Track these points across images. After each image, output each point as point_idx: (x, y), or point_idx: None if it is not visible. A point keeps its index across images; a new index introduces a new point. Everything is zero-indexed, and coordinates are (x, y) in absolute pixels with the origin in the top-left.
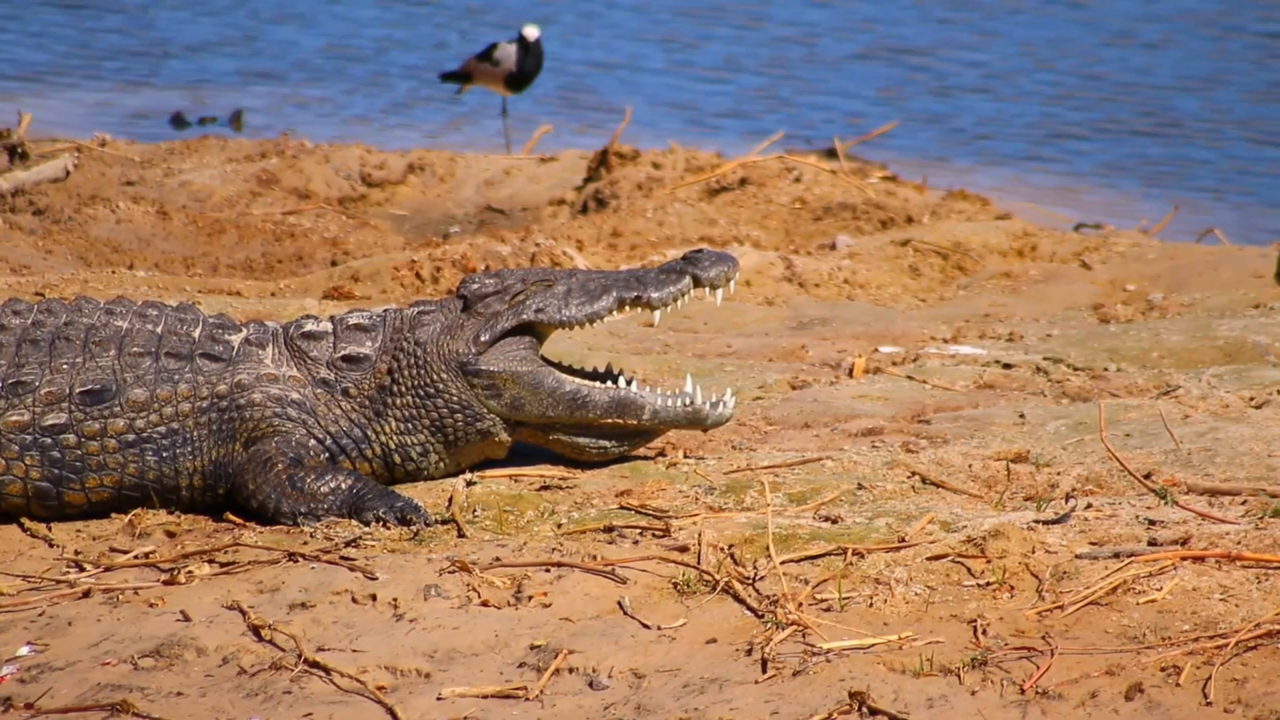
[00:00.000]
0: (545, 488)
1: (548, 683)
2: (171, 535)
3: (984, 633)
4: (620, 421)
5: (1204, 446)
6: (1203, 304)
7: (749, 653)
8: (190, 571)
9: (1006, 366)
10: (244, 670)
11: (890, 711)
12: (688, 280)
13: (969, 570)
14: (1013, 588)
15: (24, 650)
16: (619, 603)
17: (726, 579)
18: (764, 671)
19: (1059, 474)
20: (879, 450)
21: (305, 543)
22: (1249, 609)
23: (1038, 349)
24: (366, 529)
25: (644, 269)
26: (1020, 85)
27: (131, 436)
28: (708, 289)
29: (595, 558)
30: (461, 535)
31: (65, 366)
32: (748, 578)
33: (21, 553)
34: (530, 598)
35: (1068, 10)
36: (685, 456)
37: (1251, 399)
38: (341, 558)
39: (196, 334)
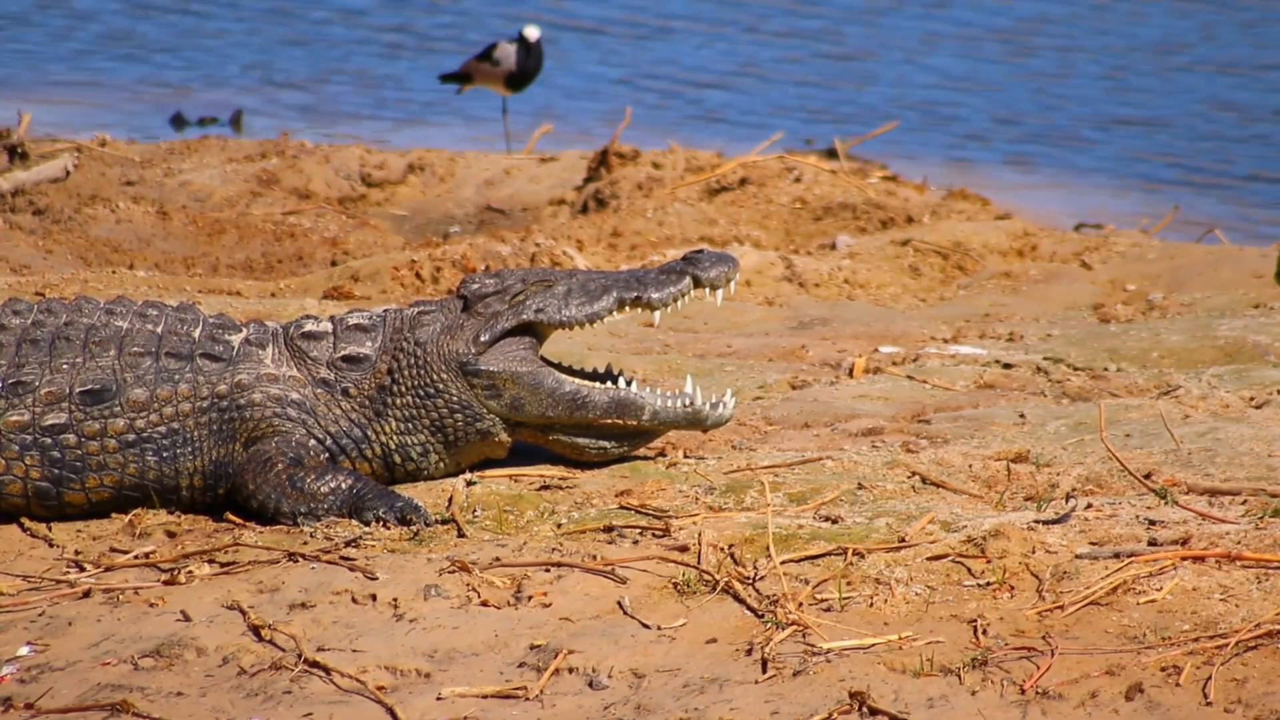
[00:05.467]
0: (545, 488)
1: (548, 683)
2: (171, 535)
3: (984, 633)
4: (620, 422)
5: (1204, 446)
6: (1203, 304)
7: (749, 653)
8: (190, 571)
9: (1007, 366)
10: (244, 670)
11: (890, 711)
12: (688, 281)
13: (969, 570)
14: (1013, 588)
15: (24, 650)
16: (619, 603)
17: (726, 579)
18: (764, 671)
19: (1059, 474)
20: (879, 450)
21: (305, 543)
22: (1249, 609)
23: (1038, 349)
24: (366, 529)
25: (644, 269)
26: (1021, 84)
27: (131, 436)
28: (708, 289)
29: (595, 558)
30: (461, 535)
31: (65, 366)
32: (748, 578)
33: (21, 553)
34: (530, 598)
35: (1068, 9)
36: (685, 456)
37: (1251, 399)
38: (341, 558)
39: (197, 334)
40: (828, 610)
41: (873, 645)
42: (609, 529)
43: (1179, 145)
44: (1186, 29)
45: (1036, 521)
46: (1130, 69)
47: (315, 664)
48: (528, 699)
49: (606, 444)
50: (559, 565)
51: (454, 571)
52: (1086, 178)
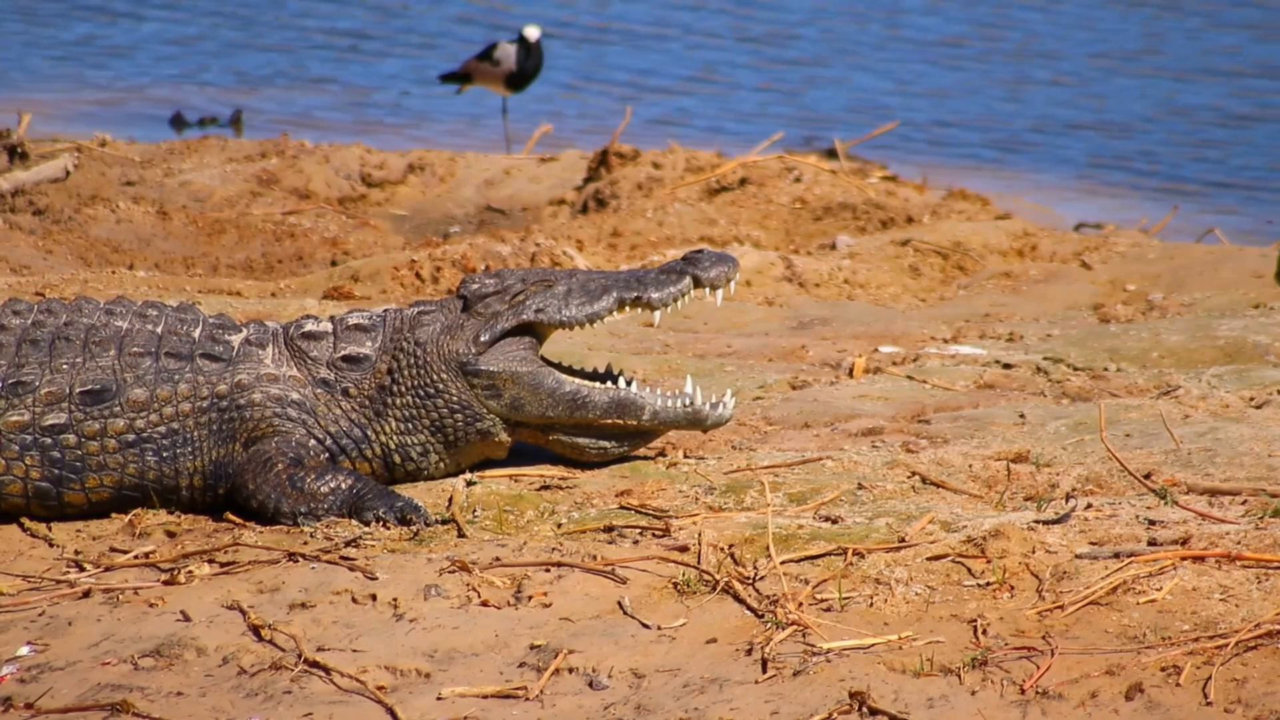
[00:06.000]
0: (545, 488)
1: (548, 683)
2: (171, 535)
3: (984, 633)
4: (620, 422)
5: (1204, 446)
6: (1203, 304)
7: (749, 653)
8: (190, 571)
9: (1006, 366)
10: (244, 670)
11: (890, 711)
12: (688, 281)
13: (969, 570)
14: (1013, 588)
15: (24, 650)
16: (619, 603)
17: (726, 579)
18: (764, 671)
19: (1059, 474)
20: (879, 450)
21: (305, 543)
22: (1249, 609)
23: (1038, 349)
24: (366, 529)
25: (644, 269)
26: (1021, 84)
27: (131, 436)
28: (708, 289)
29: (595, 558)
30: (461, 535)
31: (65, 366)
32: (748, 578)
33: (21, 553)
34: (530, 598)
35: (1068, 8)
36: (685, 456)
37: (1251, 399)
38: (341, 558)
39: (196, 334)
40: (828, 610)
41: (873, 645)
42: (609, 529)
43: (1180, 144)
44: (1186, 25)
45: (1036, 521)
46: (1131, 66)
47: (315, 664)
48: (528, 699)
49: (606, 444)
50: (559, 565)
51: (454, 571)
52: (1086, 178)
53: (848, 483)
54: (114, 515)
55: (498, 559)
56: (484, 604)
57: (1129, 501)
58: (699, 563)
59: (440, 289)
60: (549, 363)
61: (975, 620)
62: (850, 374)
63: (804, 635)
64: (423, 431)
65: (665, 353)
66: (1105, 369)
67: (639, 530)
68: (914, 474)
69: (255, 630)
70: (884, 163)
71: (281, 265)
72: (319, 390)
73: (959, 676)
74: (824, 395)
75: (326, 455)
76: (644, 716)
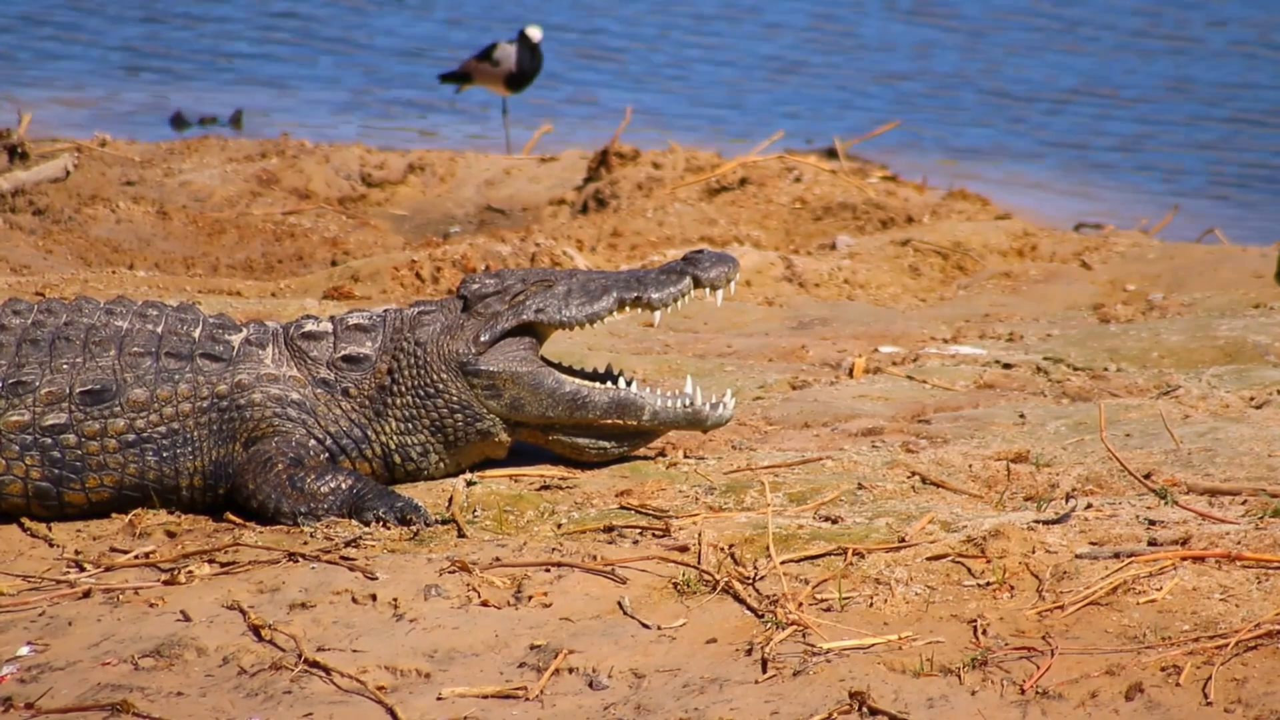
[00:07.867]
0: (545, 488)
1: (548, 683)
2: (171, 535)
3: (984, 633)
4: (620, 422)
5: (1204, 446)
6: (1203, 304)
7: (749, 653)
8: (190, 571)
9: (1006, 366)
10: (244, 670)
11: (890, 711)
12: (688, 281)
13: (969, 570)
14: (1013, 588)
15: (24, 650)
16: (619, 603)
17: (726, 579)
18: (764, 671)
19: (1059, 474)
20: (879, 450)
21: (305, 543)
22: (1249, 609)
23: (1038, 349)
24: (366, 529)
25: (644, 269)
26: (1021, 85)
27: (132, 436)
28: (708, 289)
29: (595, 558)
30: (461, 535)
31: (65, 366)
32: (748, 578)
33: (21, 553)
34: (530, 598)
35: (1067, 10)
36: (685, 456)
37: (1251, 399)
38: (341, 558)
39: (197, 334)
40: (828, 610)
41: (873, 645)
42: (609, 529)
43: (1180, 145)
44: (1185, 26)
45: (1036, 521)
46: (1130, 67)
47: (315, 664)
48: (528, 699)
49: (606, 444)
50: (559, 565)
51: (454, 571)
52: (1087, 177)
53: (848, 483)
54: (114, 515)
55: (498, 559)
56: (484, 604)
57: (1129, 501)
58: (699, 563)
59: (440, 289)
60: (549, 363)
61: (975, 620)
62: (850, 374)
63: (804, 635)
64: (423, 431)
65: (665, 353)
66: (1105, 369)
67: (639, 530)
68: (914, 474)
69: (255, 630)
70: (885, 162)
71: (281, 265)
72: (319, 390)
73: (959, 676)
74: (824, 395)
75: (326, 455)
76: (644, 716)
